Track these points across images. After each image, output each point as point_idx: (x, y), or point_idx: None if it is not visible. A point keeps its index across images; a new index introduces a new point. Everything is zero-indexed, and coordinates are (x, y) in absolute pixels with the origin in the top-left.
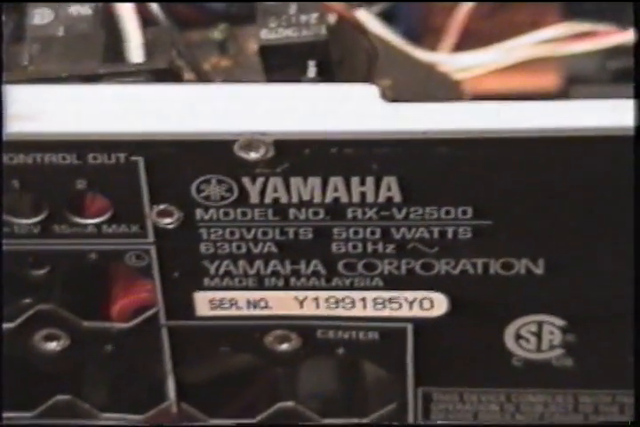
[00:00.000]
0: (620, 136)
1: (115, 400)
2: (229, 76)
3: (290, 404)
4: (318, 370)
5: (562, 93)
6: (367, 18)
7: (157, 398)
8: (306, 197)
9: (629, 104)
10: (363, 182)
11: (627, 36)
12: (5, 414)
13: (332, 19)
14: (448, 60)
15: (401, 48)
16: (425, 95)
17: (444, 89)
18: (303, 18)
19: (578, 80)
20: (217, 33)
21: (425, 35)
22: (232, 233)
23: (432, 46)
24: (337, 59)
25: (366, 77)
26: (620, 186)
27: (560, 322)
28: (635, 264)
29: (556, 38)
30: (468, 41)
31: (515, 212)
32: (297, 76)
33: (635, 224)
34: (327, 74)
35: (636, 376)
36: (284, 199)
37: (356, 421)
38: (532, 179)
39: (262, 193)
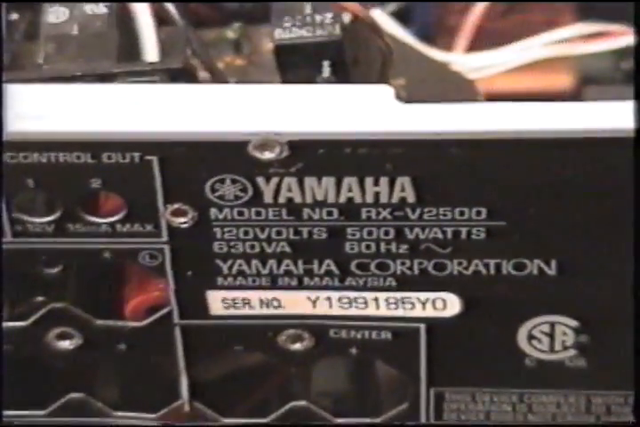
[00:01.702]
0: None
1: (127, 399)
2: (243, 76)
3: (302, 403)
4: (331, 369)
5: (575, 94)
6: (381, 17)
7: (170, 397)
8: (320, 197)
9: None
10: (376, 183)
11: None
12: (17, 413)
13: (346, 18)
14: (462, 60)
15: (415, 48)
16: (439, 95)
17: (458, 88)
18: (318, 17)
19: (591, 80)
20: (231, 32)
21: (439, 34)
22: (246, 233)
23: (446, 46)
24: (351, 58)
25: (381, 77)
26: (631, 188)
27: (573, 323)
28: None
29: (569, 38)
30: (482, 41)
31: (528, 213)
32: (311, 75)
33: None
34: (341, 73)
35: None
36: (297, 199)
37: (368, 420)
38: (546, 180)
39: (276, 193)
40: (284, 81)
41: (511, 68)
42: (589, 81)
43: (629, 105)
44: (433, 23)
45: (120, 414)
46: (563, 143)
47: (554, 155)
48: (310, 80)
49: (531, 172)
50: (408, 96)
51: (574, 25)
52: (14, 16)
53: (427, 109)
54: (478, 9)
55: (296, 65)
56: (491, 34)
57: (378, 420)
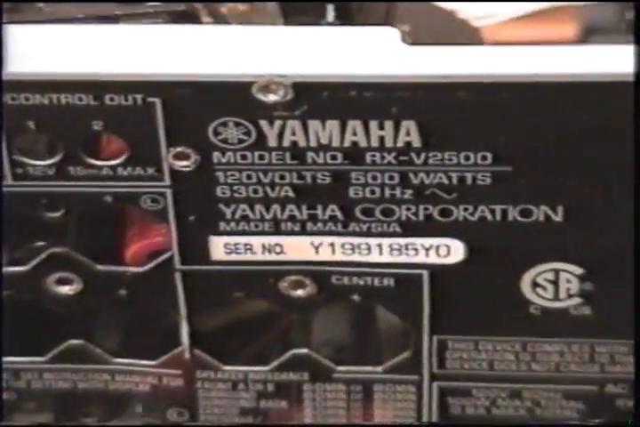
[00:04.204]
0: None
1: (127, 346)
2: (246, 21)
3: (303, 351)
4: (332, 318)
5: (579, 43)
6: None
7: (170, 344)
8: (324, 141)
9: None
10: (381, 126)
11: None
12: (17, 359)
13: None
14: (467, 8)
15: None
16: (443, 41)
17: (463, 36)
18: None
19: (596, 30)
20: None
21: None
22: (249, 177)
23: None
24: (355, 3)
25: (385, 22)
26: (635, 133)
27: (577, 270)
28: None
29: None
30: None
31: (534, 158)
32: (315, 20)
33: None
34: (346, 18)
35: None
36: (301, 143)
37: (369, 368)
38: (551, 124)
39: (280, 136)
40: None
41: (516, 17)
42: (594, 31)
43: (630, 49)
44: None
45: (120, 360)
46: (567, 87)
47: (558, 98)
48: (314, 25)
49: (536, 116)
50: (413, 40)
51: None
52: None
53: (433, 52)
54: None
55: (300, 9)
56: None
57: (379, 368)
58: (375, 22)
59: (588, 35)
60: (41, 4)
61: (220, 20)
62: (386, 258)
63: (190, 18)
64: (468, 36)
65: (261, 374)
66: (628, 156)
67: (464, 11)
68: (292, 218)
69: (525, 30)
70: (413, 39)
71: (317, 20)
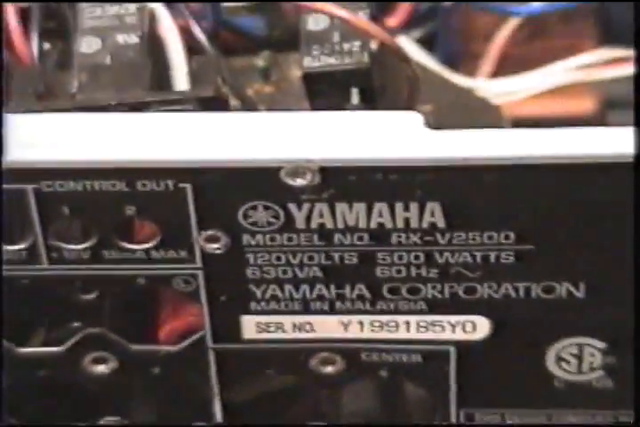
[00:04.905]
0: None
1: (161, 422)
2: (272, 103)
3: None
4: (361, 390)
5: (599, 118)
6: (407, 44)
7: (204, 419)
8: (351, 223)
9: None
10: (407, 208)
11: None
12: None
13: (373, 46)
14: (487, 86)
15: (440, 74)
16: (465, 120)
17: (484, 114)
18: (345, 45)
19: (614, 104)
20: (260, 60)
21: (464, 60)
22: (278, 258)
23: (471, 72)
24: (379, 85)
25: (408, 103)
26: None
27: (601, 344)
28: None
29: (592, 64)
30: (505, 67)
31: (556, 236)
32: (340, 102)
33: None
34: (370, 100)
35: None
36: (329, 225)
37: None
38: (573, 204)
39: (308, 219)
40: (313, 108)
41: (535, 94)
42: (612, 105)
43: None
44: (457, 50)
45: None
46: (586, 168)
47: (578, 178)
48: (339, 107)
49: (558, 196)
50: (435, 122)
51: (596, 50)
52: (47, 46)
53: (455, 136)
54: (502, 35)
55: (325, 92)
56: (514, 59)
57: None
58: (399, 102)
59: (607, 109)
60: (74, 90)
61: (246, 102)
62: (413, 335)
63: (218, 103)
64: (488, 113)
65: None
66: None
67: (484, 88)
68: (320, 297)
69: (545, 106)
70: (435, 119)
71: (342, 101)
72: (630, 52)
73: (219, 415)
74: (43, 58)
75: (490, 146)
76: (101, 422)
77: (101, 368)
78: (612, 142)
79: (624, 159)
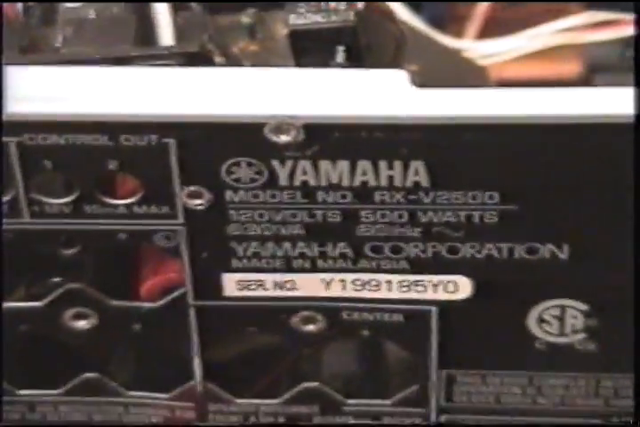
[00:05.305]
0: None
1: (141, 379)
2: (257, 61)
3: (314, 384)
4: (342, 351)
5: (584, 81)
6: (394, 4)
7: (183, 378)
8: (334, 181)
9: None
10: (391, 166)
11: None
12: (32, 392)
13: (360, 4)
14: (472, 47)
15: (427, 34)
16: (451, 81)
17: (470, 74)
18: (332, 4)
19: (598, 68)
20: (246, 18)
21: (450, 22)
22: (261, 215)
23: (457, 33)
24: (365, 44)
25: (394, 63)
26: (635, 174)
27: (583, 306)
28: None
29: (577, 27)
30: (491, 29)
31: (541, 197)
32: (325, 61)
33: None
34: (355, 59)
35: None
36: (312, 182)
37: (378, 402)
38: (558, 164)
39: (291, 176)
40: (299, 66)
41: (520, 56)
42: (597, 68)
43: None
44: (443, 11)
45: (133, 393)
46: (572, 128)
47: (564, 139)
48: (324, 65)
49: (543, 156)
50: (421, 82)
51: (581, 14)
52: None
53: (441, 94)
54: None
55: (310, 50)
56: (500, 22)
57: (388, 401)
58: (384, 61)
59: (591, 72)
60: (58, 45)
61: (232, 59)
62: (395, 294)
63: (203, 58)
64: (473, 74)
65: (272, 406)
66: (628, 195)
67: (470, 50)
68: (302, 255)
69: (530, 68)
70: (421, 79)
71: (327, 59)
72: (613, 16)
73: (198, 374)
74: (27, 12)
75: (475, 105)
76: (80, 377)
77: (82, 324)
78: (593, 103)
79: (611, 120)
